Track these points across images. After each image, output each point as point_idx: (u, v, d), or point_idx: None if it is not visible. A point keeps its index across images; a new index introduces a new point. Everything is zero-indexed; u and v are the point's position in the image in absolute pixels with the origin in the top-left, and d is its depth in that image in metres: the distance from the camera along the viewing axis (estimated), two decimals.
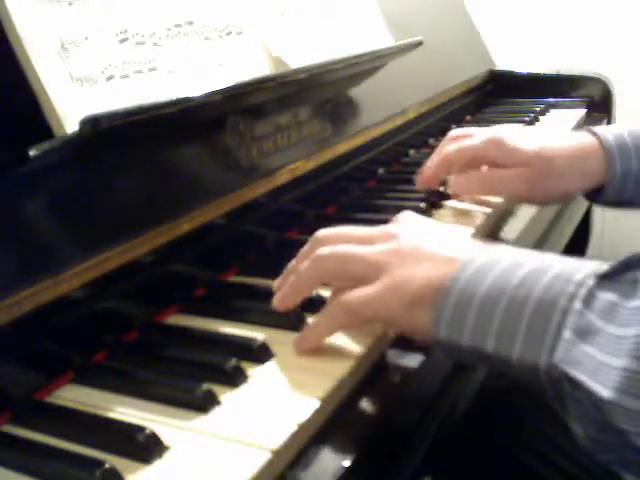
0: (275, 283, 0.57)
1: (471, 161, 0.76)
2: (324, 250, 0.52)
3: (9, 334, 0.46)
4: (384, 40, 0.91)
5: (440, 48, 1.20)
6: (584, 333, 0.40)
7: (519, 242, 0.77)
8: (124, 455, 0.42)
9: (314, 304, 0.56)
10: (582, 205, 1.25)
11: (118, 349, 0.54)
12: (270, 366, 0.50)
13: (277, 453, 0.41)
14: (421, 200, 0.80)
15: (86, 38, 0.55)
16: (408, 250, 0.49)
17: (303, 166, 0.77)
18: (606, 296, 0.41)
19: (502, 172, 0.74)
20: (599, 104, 1.34)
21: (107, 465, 0.40)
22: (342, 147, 0.85)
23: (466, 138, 0.78)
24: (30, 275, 0.47)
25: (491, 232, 0.77)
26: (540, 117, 1.25)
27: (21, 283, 0.47)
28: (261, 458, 0.40)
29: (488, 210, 0.78)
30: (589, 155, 0.73)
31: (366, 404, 0.48)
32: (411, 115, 1.04)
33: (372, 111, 0.93)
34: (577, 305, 0.41)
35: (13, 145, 0.49)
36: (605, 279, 0.42)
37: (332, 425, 0.45)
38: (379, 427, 0.47)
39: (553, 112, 1.30)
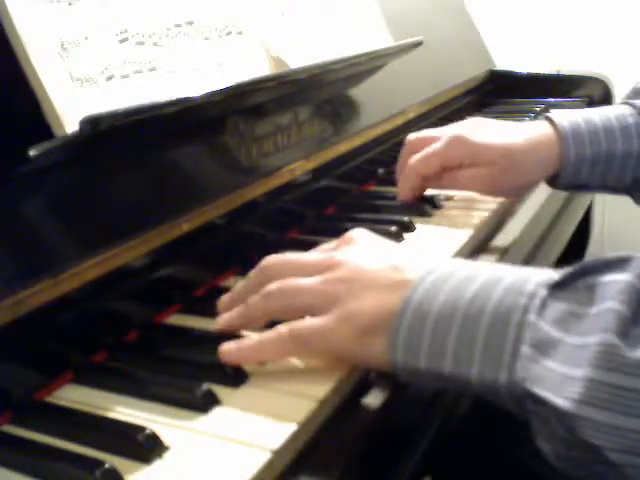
0: (222, 301, 0.54)
1: (440, 167, 0.75)
2: (272, 286, 0.49)
3: (9, 334, 0.46)
4: (384, 40, 0.91)
5: (440, 48, 1.20)
6: (542, 347, 0.38)
7: (518, 244, 0.77)
8: (124, 455, 0.42)
9: None
10: (582, 205, 1.25)
11: (118, 349, 0.54)
12: (270, 366, 0.50)
13: (277, 453, 0.41)
14: (421, 200, 0.80)
15: (86, 38, 0.55)
16: (356, 277, 0.47)
17: (303, 166, 0.77)
18: (561, 306, 0.39)
19: (464, 173, 0.74)
20: (599, 104, 1.34)
21: (107, 465, 0.40)
22: (342, 147, 0.85)
23: (425, 141, 0.77)
24: (30, 275, 0.47)
25: (490, 233, 0.77)
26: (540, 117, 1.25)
27: (21, 283, 0.47)
28: (261, 458, 0.40)
29: (490, 207, 0.78)
30: (546, 144, 0.75)
31: (368, 400, 0.48)
32: (411, 115, 1.04)
33: (372, 111, 0.93)
34: (531, 318, 0.39)
35: (13, 145, 0.49)
36: (558, 288, 0.40)
37: (334, 423, 0.45)
38: (380, 425, 0.47)
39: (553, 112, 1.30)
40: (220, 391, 0.47)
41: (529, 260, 0.82)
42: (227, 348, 0.48)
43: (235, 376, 0.48)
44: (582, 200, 1.21)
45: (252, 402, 0.46)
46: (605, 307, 0.37)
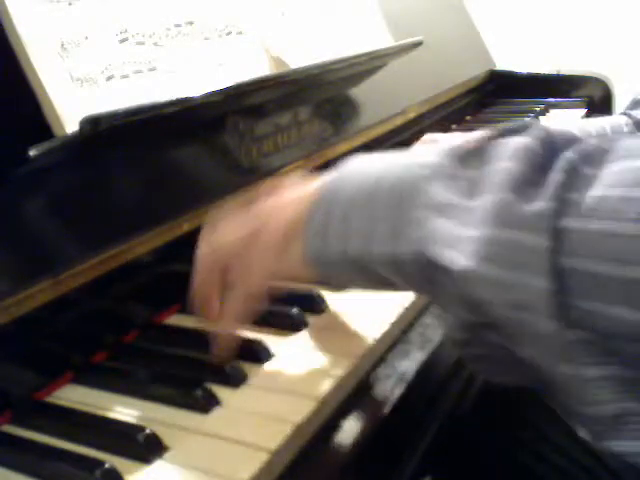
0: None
1: None
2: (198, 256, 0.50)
3: (9, 334, 0.46)
4: (384, 40, 0.91)
5: (440, 48, 1.20)
6: (437, 209, 0.37)
7: None
8: (124, 455, 0.42)
9: (315, 303, 0.56)
10: None
11: (118, 349, 0.54)
12: (270, 366, 0.50)
13: (277, 453, 0.41)
14: None
15: (86, 38, 0.55)
16: (274, 201, 0.47)
17: (303, 166, 0.77)
18: (469, 173, 0.38)
19: None
20: (599, 104, 1.34)
21: (107, 465, 0.40)
22: (342, 147, 0.85)
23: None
24: (30, 275, 0.47)
25: None
26: (540, 117, 1.25)
27: (21, 283, 0.47)
28: (261, 458, 0.40)
29: None
30: None
31: (369, 400, 0.48)
32: (411, 115, 1.04)
33: (372, 111, 0.93)
34: (422, 184, 0.38)
35: (13, 145, 0.49)
36: (463, 160, 0.39)
37: (332, 424, 0.45)
38: (380, 425, 0.47)
39: (553, 112, 1.30)
40: (220, 391, 0.47)
41: None
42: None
43: (235, 376, 0.48)
44: None
45: (252, 402, 0.46)
46: (499, 166, 0.36)
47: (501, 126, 0.39)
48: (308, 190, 0.45)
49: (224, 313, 0.48)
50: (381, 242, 0.39)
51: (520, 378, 0.39)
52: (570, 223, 0.33)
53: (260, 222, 0.46)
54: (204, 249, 0.50)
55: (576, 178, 0.34)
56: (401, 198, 0.39)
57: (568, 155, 0.35)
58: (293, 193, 0.47)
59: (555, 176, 0.34)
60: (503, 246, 0.34)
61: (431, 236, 0.37)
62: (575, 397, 0.34)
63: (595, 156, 0.35)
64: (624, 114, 0.84)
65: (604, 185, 0.33)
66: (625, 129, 0.80)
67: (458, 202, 0.37)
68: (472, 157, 0.38)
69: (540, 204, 0.34)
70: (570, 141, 0.37)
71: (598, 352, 0.33)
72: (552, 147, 0.36)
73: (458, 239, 0.36)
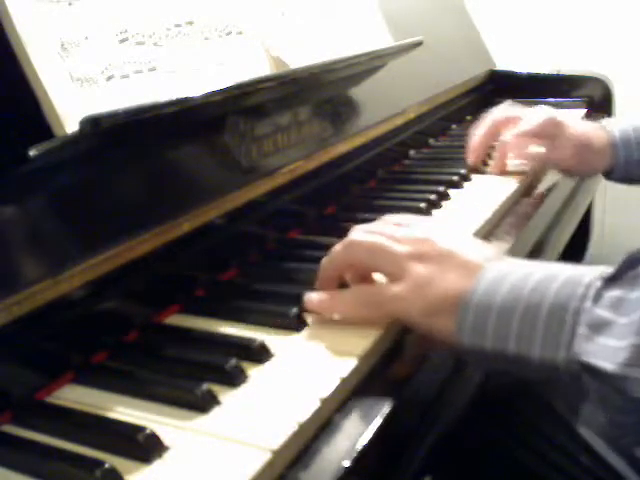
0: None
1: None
2: (356, 236, 0.56)
3: (9, 334, 0.46)
4: (384, 40, 0.91)
5: (440, 48, 1.20)
6: (597, 327, 0.44)
7: (519, 243, 0.77)
8: (124, 455, 0.42)
9: None
10: (582, 205, 1.25)
11: (118, 349, 0.54)
12: (270, 366, 0.50)
13: (277, 453, 0.41)
14: (421, 200, 0.80)
15: (86, 38, 0.55)
16: (434, 257, 0.53)
17: (303, 166, 0.77)
18: (613, 293, 0.45)
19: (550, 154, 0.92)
20: (599, 104, 1.34)
21: (107, 465, 0.40)
22: (342, 147, 0.85)
23: (512, 120, 0.95)
24: (30, 275, 0.47)
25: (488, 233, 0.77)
26: None
27: (21, 283, 0.47)
28: (261, 458, 0.40)
29: (490, 210, 0.79)
30: (599, 145, 0.91)
31: (370, 402, 0.48)
32: (411, 115, 1.04)
33: (372, 111, 0.93)
34: (587, 304, 0.45)
35: (13, 145, 0.49)
36: (610, 280, 0.46)
37: (332, 423, 0.45)
38: (381, 426, 0.47)
39: None
40: (220, 391, 0.47)
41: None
42: (309, 297, 0.55)
43: (235, 376, 0.48)
44: (582, 200, 1.21)
45: (252, 402, 0.46)
46: None
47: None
48: (467, 264, 0.51)
49: (339, 295, 0.55)
50: (542, 349, 0.46)
51: None
52: None
53: (424, 265, 0.52)
54: (358, 234, 0.56)
55: None
56: (562, 313, 0.46)
57: None
58: (458, 251, 0.53)
59: None
60: None
61: (590, 349, 0.44)
62: None
63: None
64: None
65: None
66: None
67: (612, 319, 0.44)
68: (621, 279, 0.46)
69: None
70: None
71: None
72: None
73: (615, 350, 0.43)
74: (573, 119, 0.95)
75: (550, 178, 0.97)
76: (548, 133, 0.91)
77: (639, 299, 0.44)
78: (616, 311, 0.44)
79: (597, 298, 0.45)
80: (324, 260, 0.57)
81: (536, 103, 1.30)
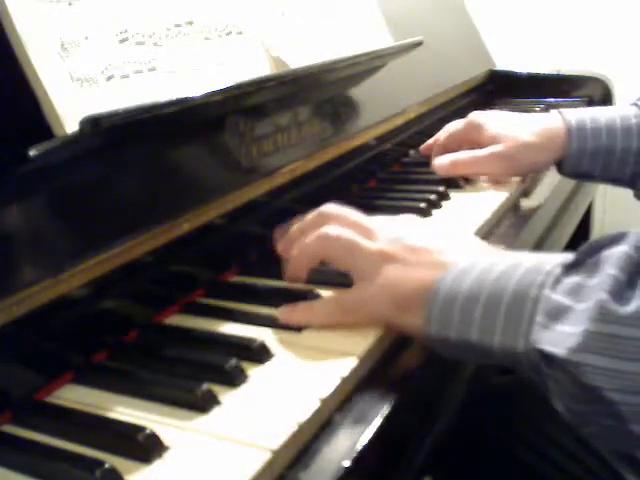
0: (279, 245, 0.61)
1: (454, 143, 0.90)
2: (332, 230, 0.56)
3: (9, 334, 0.46)
4: (384, 40, 0.91)
5: (440, 48, 1.20)
6: (555, 314, 0.44)
7: (519, 244, 0.77)
8: (124, 455, 0.42)
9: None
10: (583, 204, 1.25)
11: (118, 349, 0.54)
12: (270, 366, 0.50)
13: (277, 453, 0.41)
14: (421, 200, 0.80)
15: (86, 38, 0.55)
16: (403, 254, 0.53)
17: (303, 166, 0.77)
18: (572, 280, 0.45)
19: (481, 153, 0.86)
20: (599, 104, 1.34)
21: (107, 465, 0.40)
22: (342, 147, 0.85)
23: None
24: (30, 275, 0.47)
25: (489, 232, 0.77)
26: None
27: (21, 283, 0.47)
28: (261, 458, 0.40)
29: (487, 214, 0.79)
30: (554, 134, 0.86)
31: (369, 402, 0.48)
32: (411, 115, 1.04)
33: (372, 111, 0.93)
34: (546, 292, 0.45)
35: (13, 145, 0.49)
36: (571, 266, 0.46)
37: (332, 423, 0.45)
38: (381, 426, 0.47)
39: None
40: (220, 391, 0.47)
41: None
42: (283, 309, 0.55)
43: (235, 376, 0.48)
44: (582, 199, 1.21)
45: (252, 402, 0.46)
46: (604, 274, 0.43)
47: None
48: (435, 259, 0.52)
49: (311, 306, 0.55)
50: (502, 338, 0.46)
51: (632, 445, 0.46)
52: None
53: (393, 263, 0.53)
54: (324, 212, 0.58)
55: None
56: (522, 301, 0.46)
57: None
58: (425, 247, 0.54)
59: None
60: (607, 340, 0.41)
61: (547, 337, 0.44)
62: None
63: None
64: (634, 105, 0.86)
65: None
66: (633, 120, 0.84)
67: (570, 305, 0.44)
68: (581, 266, 0.46)
69: (637, 303, 0.41)
70: None
71: None
72: None
73: (570, 335, 0.43)
74: (498, 119, 0.89)
75: (550, 178, 0.97)
76: (472, 137, 0.88)
77: (597, 286, 0.43)
78: (574, 297, 0.44)
79: (555, 284, 0.45)
80: (294, 251, 0.57)
81: (536, 103, 1.31)
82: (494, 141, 0.85)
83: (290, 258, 0.58)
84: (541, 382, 0.46)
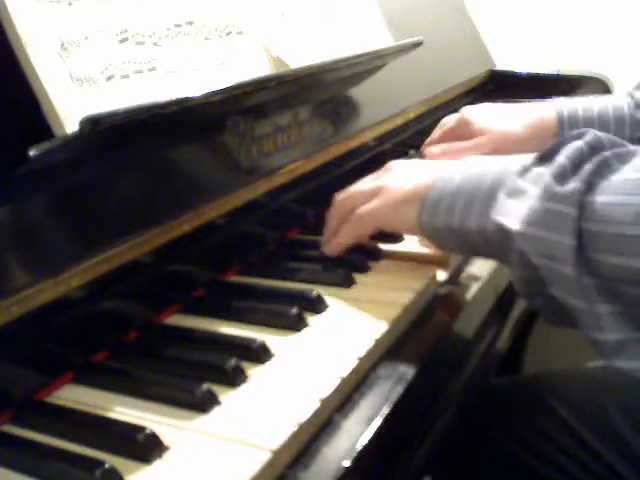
0: (323, 239, 0.69)
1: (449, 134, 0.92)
2: (338, 200, 0.67)
3: (9, 334, 0.46)
4: (384, 40, 0.91)
5: (440, 48, 1.20)
6: (513, 193, 0.51)
7: None
8: (124, 455, 0.42)
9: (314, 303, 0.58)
10: None
11: (118, 349, 0.54)
12: (270, 366, 0.50)
13: (277, 453, 0.41)
14: None
15: (86, 38, 0.55)
16: (400, 171, 0.64)
17: (303, 166, 0.77)
18: (538, 169, 0.51)
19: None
20: None
21: (107, 465, 0.40)
22: (342, 147, 0.85)
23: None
24: (30, 275, 0.47)
25: None
26: None
27: (21, 283, 0.47)
28: (261, 458, 0.40)
29: None
30: (545, 124, 0.87)
31: (370, 402, 0.48)
32: (411, 115, 1.04)
33: (372, 111, 0.93)
34: (511, 177, 0.52)
35: (13, 145, 0.49)
36: (539, 160, 0.52)
37: (332, 423, 0.45)
38: (381, 426, 0.47)
39: None
40: (220, 391, 0.47)
41: None
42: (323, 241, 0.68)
43: (235, 376, 0.48)
44: None
45: (252, 402, 0.46)
46: (556, 162, 0.50)
47: (570, 133, 0.52)
48: (428, 172, 0.61)
49: (336, 236, 0.66)
50: (475, 217, 0.54)
51: (567, 320, 0.49)
52: (593, 198, 0.46)
53: (386, 182, 0.63)
54: (341, 194, 0.68)
55: (605, 168, 0.47)
56: (492, 187, 0.54)
57: (605, 154, 0.48)
58: (416, 172, 0.62)
59: (589, 166, 0.47)
60: (544, 214, 0.48)
61: (504, 212, 0.51)
62: (590, 326, 0.46)
63: (625, 155, 0.48)
64: (628, 94, 0.87)
65: (626, 171, 0.46)
66: (625, 110, 0.84)
67: (525, 187, 0.51)
68: (546, 156, 0.52)
69: (573, 185, 0.47)
70: (614, 144, 0.50)
71: (606, 293, 0.45)
72: (597, 147, 0.49)
73: (519, 210, 0.50)
74: (489, 112, 0.90)
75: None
76: (463, 131, 0.89)
77: (547, 171, 0.49)
78: (534, 184, 0.50)
79: (524, 173, 0.52)
80: (337, 200, 0.67)
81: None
82: (483, 134, 0.86)
83: (332, 241, 0.66)
84: (504, 257, 0.52)
